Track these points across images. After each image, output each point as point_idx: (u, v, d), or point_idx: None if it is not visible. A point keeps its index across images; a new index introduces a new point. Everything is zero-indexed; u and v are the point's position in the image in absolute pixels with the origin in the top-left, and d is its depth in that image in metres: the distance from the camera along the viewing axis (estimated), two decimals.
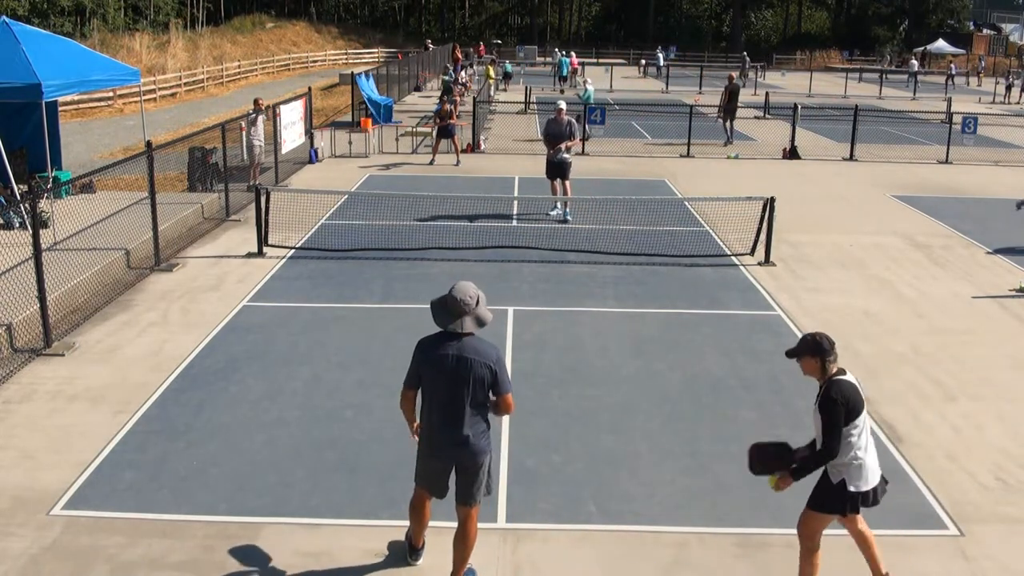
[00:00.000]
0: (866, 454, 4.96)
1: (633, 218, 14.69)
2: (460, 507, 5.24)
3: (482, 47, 50.92)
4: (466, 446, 5.04)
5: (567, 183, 14.84)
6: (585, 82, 24.88)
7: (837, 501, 5.00)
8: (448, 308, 4.98)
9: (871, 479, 5.00)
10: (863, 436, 4.93)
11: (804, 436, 7.39)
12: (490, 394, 5.05)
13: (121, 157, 16.12)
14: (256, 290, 10.93)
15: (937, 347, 9.53)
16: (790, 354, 5.09)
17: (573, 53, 46.51)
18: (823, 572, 5.34)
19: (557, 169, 14.77)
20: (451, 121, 20.03)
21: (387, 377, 8.36)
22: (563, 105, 15.01)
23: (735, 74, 25.96)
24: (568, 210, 14.75)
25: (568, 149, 14.69)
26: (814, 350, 4.95)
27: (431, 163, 19.88)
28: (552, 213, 14.92)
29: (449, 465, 5.18)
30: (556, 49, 48.93)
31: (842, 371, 4.97)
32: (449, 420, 5.01)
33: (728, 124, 23.94)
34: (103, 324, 9.69)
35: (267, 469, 6.69)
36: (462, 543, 5.25)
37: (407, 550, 5.65)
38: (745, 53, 55.71)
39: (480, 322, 5.02)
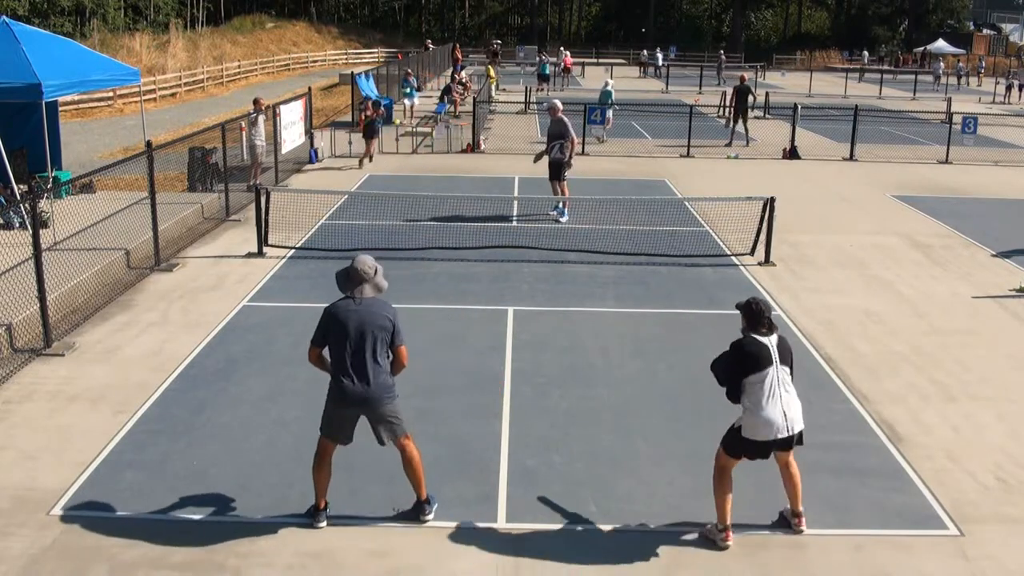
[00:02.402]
0: (765, 410, 5.56)
1: (633, 218, 14.68)
2: (396, 444, 5.89)
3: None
4: (371, 393, 5.69)
5: (561, 184, 14.83)
6: (606, 83, 24.89)
7: (733, 443, 5.76)
8: (351, 277, 5.81)
9: (761, 434, 5.60)
10: (764, 391, 5.55)
11: (806, 435, 7.40)
12: (389, 352, 5.76)
13: (121, 157, 16.12)
14: (256, 290, 10.93)
15: (937, 347, 9.53)
16: (737, 305, 5.85)
17: (560, 50, 46.11)
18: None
19: (553, 166, 14.80)
20: (376, 115, 20.05)
21: None
22: (558, 103, 15.02)
23: (746, 75, 25.89)
24: (563, 208, 14.76)
25: (562, 149, 14.66)
26: (745, 314, 5.73)
27: (360, 166, 19.42)
28: (552, 212, 14.93)
29: (356, 413, 5.79)
30: (561, 49, 48.79)
31: (765, 331, 5.64)
32: (355, 371, 5.67)
33: (742, 126, 23.86)
34: (103, 324, 9.69)
35: (267, 469, 6.69)
36: (410, 467, 5.95)
37: (312, 514, 5.96)
38: (722, 52, 55.13)
39: (378, 288, 5.83)
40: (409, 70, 29.57)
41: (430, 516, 6.03)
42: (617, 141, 23.93)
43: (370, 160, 19.66)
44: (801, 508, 5.98)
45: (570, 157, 14.83)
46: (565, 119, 14.84)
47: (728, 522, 5.82)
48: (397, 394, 5.86)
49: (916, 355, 9.29)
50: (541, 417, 7.65)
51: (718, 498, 5.85)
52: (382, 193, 16.01)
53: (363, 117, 20.06)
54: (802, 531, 5.94)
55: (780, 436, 5.60)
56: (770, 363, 5.58)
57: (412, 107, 26.91)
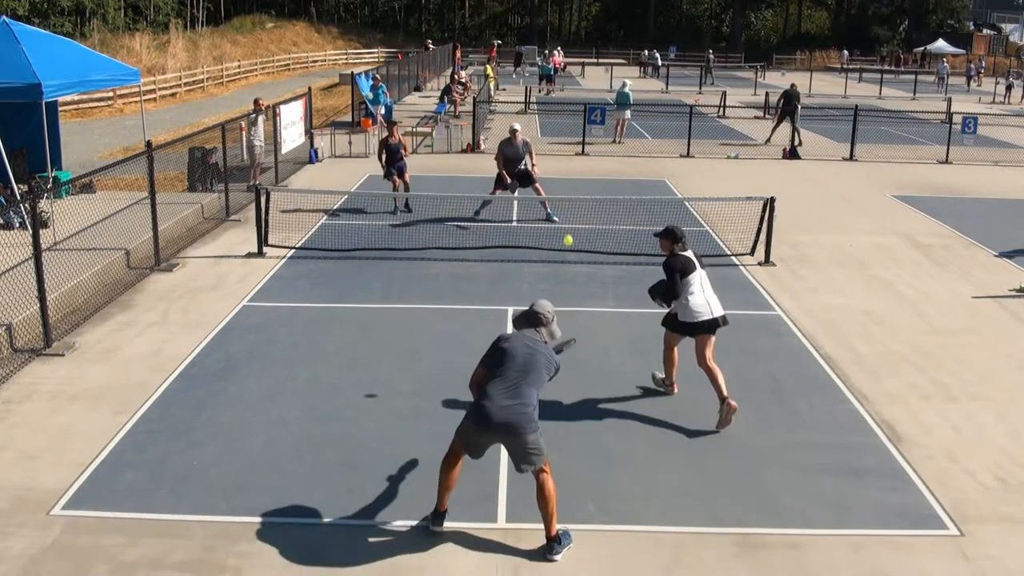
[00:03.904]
0: (693, 299, 7.54)
1: (633, 218, 14.67)
2: (534, 475, 5.76)
3: (493, 48, 51.00)
4: (520, 419, 5.60)
5: (538, 185, 14.85)
6: (624, 84, 24.78)
7: (673, 326, 7.82)
8: (529, 319, 6.00)
9: (697, 317, 7.55)
10: (693, 287, 7.55)
11: (803, 435, 7.43)
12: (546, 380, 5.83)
13: (121, 157, 16.11)
14: (256, 290, 10.93)
15: (937, 347, 9.53)
16: (656, 233, 7.89)
17: (558, 51, 45.88)
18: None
19: (521, 179, 14.79)
20: (404, 155, 15.36)
21: (387, 377, 8.37)
22: (518, 127, 15.05)
23: (796, 83, 25.55)
24: (552, 210, 14.81)
25: (533, 168, 14.88)
26: (671, 236, 7.73)
27: (394, 213, 15.14)
28: (556, 219, 14.81)
29: (494, 440, 5.75)
30: (558, 50, 48.72)
31: (683, 249, 7.68)
32: (501, 396, 5.62)
33: (787, 125, 23.53)
34: (103, 324, 9.69)
35: (267, 469, 6.69)
36: (541, 500, 5.77)
37: (431, 516, 5.91)
38: (711, 51, 54.58)
39: (552, 335, 6.02)
40: (378, 76, 26.06)
41: (557, 557, 5.69)
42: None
43: (406, 203, 15.33)
44: (726, 392, 7.40)
45: (531, 164, 14.96)
46: (527, 140, 14.98)
47: (673, 378, 8.05)
48: (538, 427, 5.71)
49: (916, 355, 9.29)
50: (541, 417, 7.62)
51: (666, 366, 8.03)
52: (382, 193, 16.00)
53: (381, 146, 15.41)
54: (734, 410, 7.32)
55: (707, 318, 7.54)
56: (695, 268, 7.61)
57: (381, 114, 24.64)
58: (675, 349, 7.98)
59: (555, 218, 14.68)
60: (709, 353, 7.56)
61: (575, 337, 7.09)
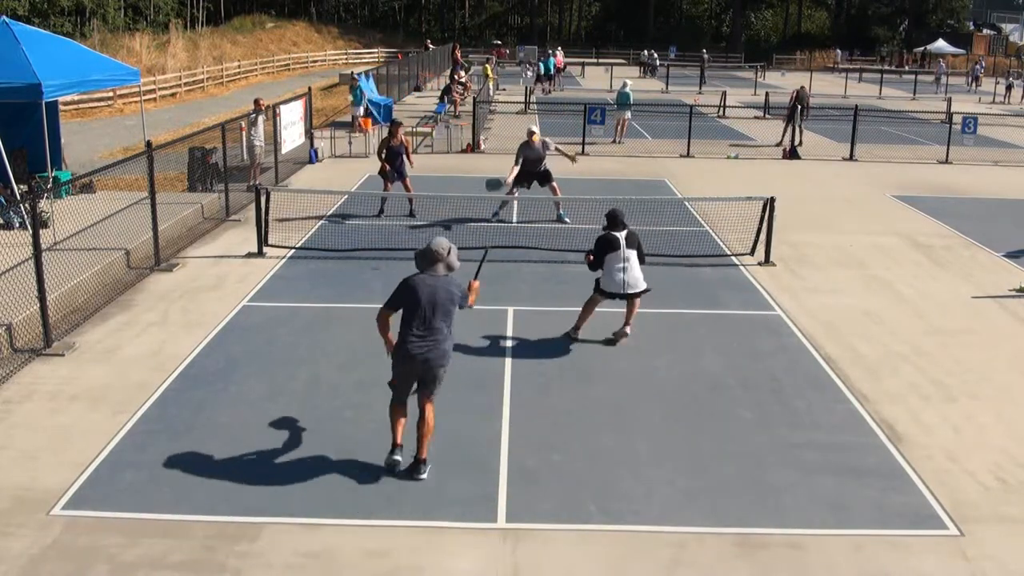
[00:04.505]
0: (615, 273, 9.09)
1: (633, 218, 14.56)
2: (422, 401, 6.59)
3: (503, 52, 50.65)
4: (433, 355, 6.39)
5: (554, 184, 14.85)
6: (624, 84, 24.67)
7: (598, 288, 9.27)
8: (426, 257, 6.51)
9: (612, 287, 9.16)
10: (615, 262, 9.06)
11: (803, 434, 7.43)
12: (457, 308, 6.52)
13: (121, 157, 16.11)
14: (256, 290, 10.93)
15: (937, 347, 9.53)
16: (605, 214, 9.29)
17: (559, 50, 45.77)
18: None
19: (541, 178, 14.79)
20: (408, 158, 14.61)
21: (386, 377, 8.35)
22: (535, 128, 15.03)
23: (805, 86, 25.36)
24: (564, 211, 14.78)
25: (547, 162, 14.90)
26: (607, 218, 9.22)
27: (379, 215, 14.61)
28: (568, 220, 14.74)
29: (418, 370, 6.45)
30: (559, 49, 48.67)
31: (619, 229, 9.15)
32: (423, 335, 6.37)
33: (789, 128, 23.44)
34: (103, 324, 9.69)
35: (267, 469, 6.69)
36: (423, 427, 6.59)
37: (388, 451, 6.59)
38: (704, 51, 54.21)
39: (449, 268, 6.54)
40: (355, 76, 23.96)
41: (423, 476, 6.56)
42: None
43: (411, 207, 14.84)
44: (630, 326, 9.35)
45: (565, 155, 14.93)
46: (546, 139, 14.96)
47: (582, 324, 9.36)
48: (450, 360, 6.53)
49: (916, 355, 9.29)
50: (541, 417, 7.65)
51: (583, 311, 9.38)
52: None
53: (382, 156, 14.59)
54: (626, 334, 9.30)
55: (619, 292, 9.14)
56: (619, 248, 9.05)
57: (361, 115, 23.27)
58: (594, 310, 9.35)
59: (567, 219, 14.63)
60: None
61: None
